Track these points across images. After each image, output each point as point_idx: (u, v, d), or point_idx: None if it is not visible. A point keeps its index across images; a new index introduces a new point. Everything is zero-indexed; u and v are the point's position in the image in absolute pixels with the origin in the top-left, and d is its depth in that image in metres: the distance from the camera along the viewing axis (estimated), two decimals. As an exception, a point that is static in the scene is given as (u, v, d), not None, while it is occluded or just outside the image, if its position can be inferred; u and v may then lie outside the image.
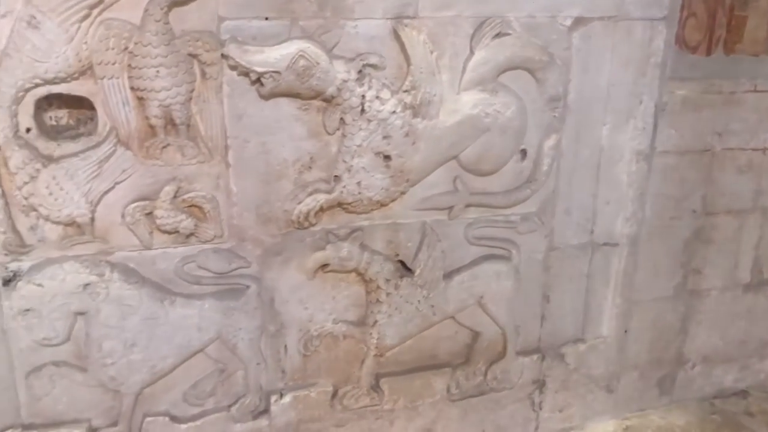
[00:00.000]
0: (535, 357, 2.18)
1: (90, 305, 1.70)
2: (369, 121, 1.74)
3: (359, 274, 1.90)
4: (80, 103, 1.63)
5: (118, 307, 1.71)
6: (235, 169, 1.73)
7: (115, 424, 1.81)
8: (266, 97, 1.68)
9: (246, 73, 1.64)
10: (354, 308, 1.96)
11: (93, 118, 1.65)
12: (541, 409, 2.25)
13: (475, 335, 2.09)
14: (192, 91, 1.64)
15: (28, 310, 1.66)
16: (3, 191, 1.58)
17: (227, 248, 1.79)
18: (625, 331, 2.25)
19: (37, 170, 1.58)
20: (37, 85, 1.54)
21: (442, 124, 1.81)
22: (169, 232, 1.72)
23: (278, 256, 1.84)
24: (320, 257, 1.85)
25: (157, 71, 1.57)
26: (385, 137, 1.76)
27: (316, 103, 1.72)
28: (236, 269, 1.81)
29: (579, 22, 1.88)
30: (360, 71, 1.71)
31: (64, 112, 1.66)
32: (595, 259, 2.15)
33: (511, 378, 2.16)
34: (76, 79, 1.56)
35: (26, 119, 1.57)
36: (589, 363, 2.25)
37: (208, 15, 1.60)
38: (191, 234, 1.74)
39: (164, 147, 1.66)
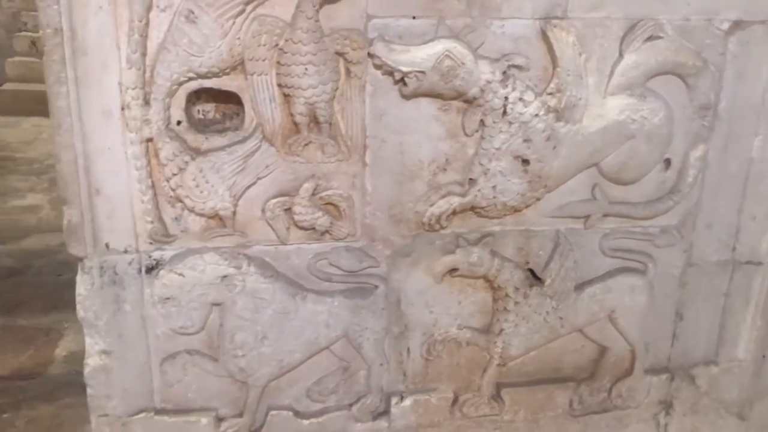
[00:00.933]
0: (663, 377, 2.07)
1: (226, 297, 1.72)
2: (510, 123, 1.69)
3: (488, 280, 1.86)
4: (227, 98, 1.66)
5: (253, 300, 1.74)
6: (371, 168, 1.72)
7: (240, 414, 1.84)
8: (408, 97, 1.66)
9: (390, 73, 1.62)
10: (479, 315, 1.91)
11: (239, 113, 1.67)
12: (666, 431, 2.14)
13: (603, 350, 2.00)
14: (336, 89, 1.63)
15: (167, 298, 1.70)
16: (152, 182, 1.62)
17: (358, 247, 1.78)
18: (764, 356, 2.11)
19: (186, 162, 1.62)
20: (190, 79, 1.57)
21: (586, 129, 1.73)
22: (305, 229, 1.73)
23: (407, 257, 1.82)
24: (449, 261, 1.81)
25: (306, 69, 1.58)
26: (525, 141, 1.71)
27: (457, 103, 1.69)
28: (366, 268, 1.80)
29: (737, 26, 1.76)
30: (504, 72, 1.66)
31: (211, 106, 1.70)
32: (735, 277, 2.02)
33: (636, 397, 2.06)
34: (227, 74, 1.59)
35: (177, 112, 1.60)
36: (721, 387, 2.12)
37: (358, 13, 1.59)
38: (326, 231, 1.74)
39: (306, 144, 1.66)
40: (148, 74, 1.55)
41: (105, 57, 1.52)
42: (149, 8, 1.50)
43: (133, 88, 1.54)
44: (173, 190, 1.64)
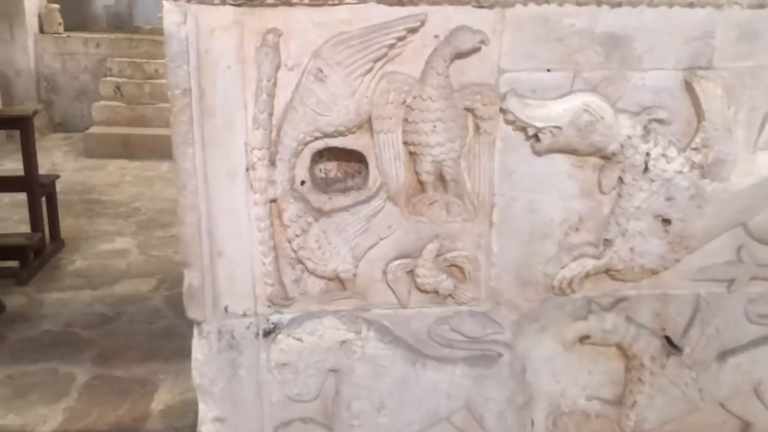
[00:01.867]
0: (813, 457, 1.87)
1: (344, 363, 1.64)
2: (651, 181, 1.57)
3: (621, 348, 1.72)
4: (349, 156, 1.60)
5: (372, 366, 1.65)
6: (498, 228, 1.62)
7: (353, 486, 1.74)
8: (541, 154, 1.56)
9: (523, 128, 1.53)
10: (611, 385, 1.77)
11: (360, 172, 1.61)
12: None
13: (746, 426, 1.82)
14: (464, 146, 1.55)
15: (284, 364, 1.63)
16: (274, 243, 1.57)
17: (482, 311, 1.67)
18: None
19: (309, 223, 1.55)
20: (316, 138, 1.52)
21: (734, 186, 1.59)
22: (427, 292, 1.64)
23: (534, 323, 1.70)
24: (582, 328, 1.69)
25: (434, 126, 1.50)
26: (667, 199, 1.58)
27: (593, 159, 1.58)
28: (490, 334, 1.69)
29: None
30: (645, 126, 1.54)
31: (333, 164, 1.64)
32: None
33: (783, 478, 1.86)
34: (353, 132, 1.53)
35: (302, 172, 1.55)
36: None
37: (489, 67, 1.51)
38: (449, 295, 1.64)
39: (431, 204, 1.58)
40: (274, 134, 1.51)
41: (232, 117, 1.48)
42: (277, 67, 1.46)
43: (260, 149, 1.50)
44: (295, 251, 1.57)
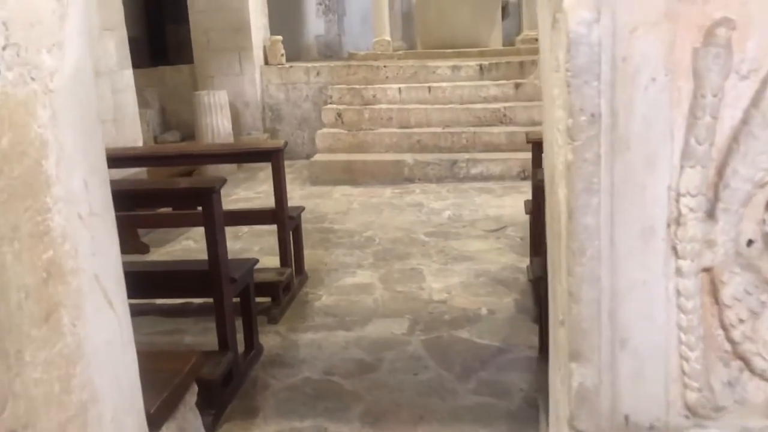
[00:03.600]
0: None
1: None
2: None
3: None
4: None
5: None
6: None
7: None
8: None
9: None
10: None
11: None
12: None
13: None
14: None
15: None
16: (703, 331, 1.09)
17: None
18: None
19: (762, 303, 1.06)
20: (778, 179, 1.03)
21: None
22: None
23: None
24: None
25: None
26: None
27: None
28: None
29: None
30: None
31: (783, 213, 1.13)
32: None
33: None
34: (839, 167, 1.01)
35: (751, 227, 1.06)
36: None
37: None
38: None
39: None
40: (712, 173, 1.03)
41: (652, 151, 1.04)
42: (727, 75, 0.99)
43: (693, 195, 1.03)
44: (735, 343, 1.08)
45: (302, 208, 4.33)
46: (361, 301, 3.83)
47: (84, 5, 1.24)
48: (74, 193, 1.19)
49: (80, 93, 1.22)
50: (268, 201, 5.53)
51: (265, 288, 3.61)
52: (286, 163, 8.31)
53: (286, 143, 4.06)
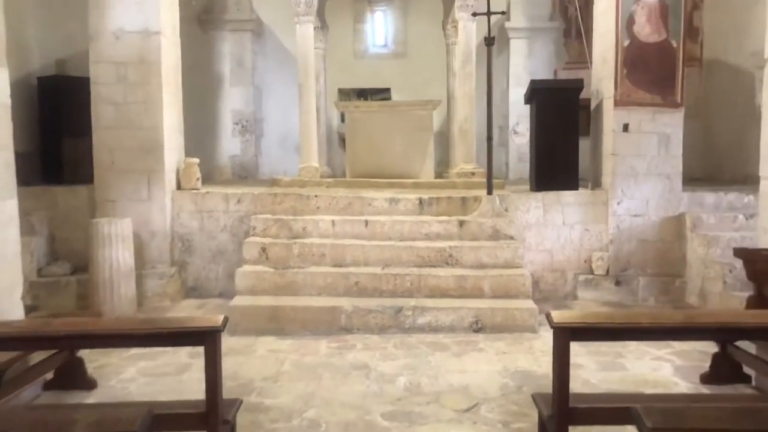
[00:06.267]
0: None
1: None
2: None
3: None
4: None
5: None
6: None
7: None
8: None
9: None
10: None
11: None
12: None
13: None
14: None
15: None
16: None
17: None
18: None
19: None
20: None
21: None
22: None
23: None
24: None
25: None
26: None
27: None
28: None
29: None
30: None
31: None
32: None
33: None
34: None
35: None
36: None
37: None
38: None
39: None
40: None
41: None
42: None
43: None
44: None
45: (239, 403, 3.25)
46: None
47: None
48: None
49: None
50: (183, 386, 4.38)
51: None
52: (195, 303, 7.25)
53: (226, 318, 3.03)
